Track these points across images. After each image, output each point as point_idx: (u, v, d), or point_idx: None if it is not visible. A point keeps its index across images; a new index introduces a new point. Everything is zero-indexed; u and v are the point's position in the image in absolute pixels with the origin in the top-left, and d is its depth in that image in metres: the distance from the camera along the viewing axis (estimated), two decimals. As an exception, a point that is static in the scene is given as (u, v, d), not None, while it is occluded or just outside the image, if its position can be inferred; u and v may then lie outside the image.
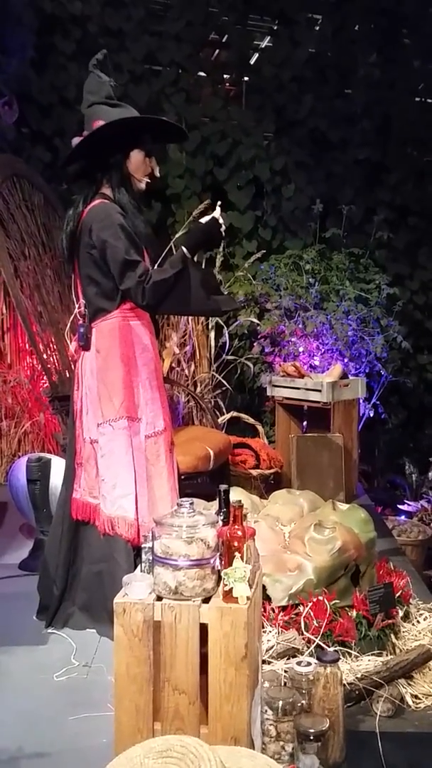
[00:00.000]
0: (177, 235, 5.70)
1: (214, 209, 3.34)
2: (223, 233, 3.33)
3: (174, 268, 3.11)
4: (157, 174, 3.35)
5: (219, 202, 3.46)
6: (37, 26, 5.66)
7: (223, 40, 6.58)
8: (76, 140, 3.23)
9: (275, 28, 6.58)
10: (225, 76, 6.62)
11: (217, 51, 6.65)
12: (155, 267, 3.30)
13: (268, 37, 6.67)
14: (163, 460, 3.27)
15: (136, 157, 3.23)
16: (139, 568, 2.26)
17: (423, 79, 6.89)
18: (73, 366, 3.39)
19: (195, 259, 3.26)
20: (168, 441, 3.32)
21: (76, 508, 3.25)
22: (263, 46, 6.71)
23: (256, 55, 6.66)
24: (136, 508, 3.14)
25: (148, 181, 3.30)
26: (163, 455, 3.27)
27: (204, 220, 3.31)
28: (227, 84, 6.64)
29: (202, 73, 6.44)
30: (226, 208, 6.28)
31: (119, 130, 3.14)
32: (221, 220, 3.28)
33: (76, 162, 3.30)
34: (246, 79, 6.63)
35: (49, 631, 3.21)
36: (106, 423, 3.16)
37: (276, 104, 6.46)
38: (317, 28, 6.62)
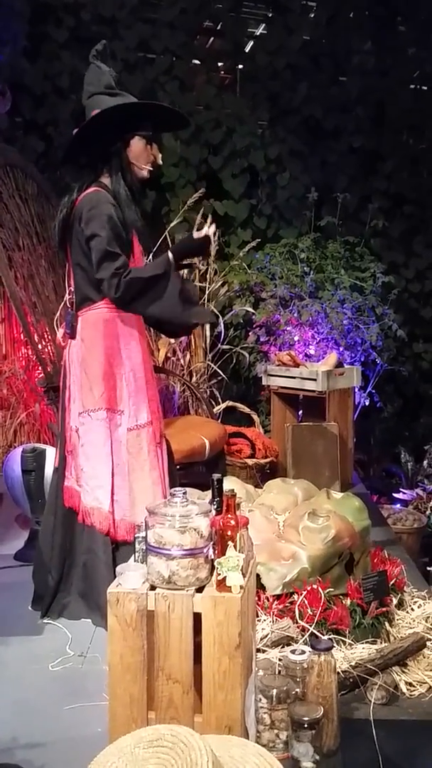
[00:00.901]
0: (171, 224, 5.68)
1: (206, 221, 3.30)
2: (212, 251, 3.29)
3: (154, 270, 3.08)
4: (160, 162, 3.32)
5: (210, 218, 3.41)
6: (30, 15, 5.62)
7: (218, 27, 6.55)
8: (74, 132, 3.20)
9: (269, 15, 6.55)
10: (219, 63, 6.60)
11: (211, 39, 6.62)
12: (150, 257, 3.28)
13: (263, 25, 6.65)
14: (145, 454, 3.24)
15: (136, 144, 3.19)
16: (132, 557, 2.26)
17: (418, 67, 6.87)
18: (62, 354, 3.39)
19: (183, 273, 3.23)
20: (153, 434, 3.28)
21: (68, 496, 3.25)
22: (258, 33, 6.69)
23: (251, 43, 6.64)
24: (112, 500, 3.15)
25: (151, 169, 3.26)
26: (145, 448, 3.24)
27: (197, 235, 3.23)
28: (221, 72, 6.62)
29: (196, 61, 6.41)
30: (221, 196, 6.27)
31: (118, 118, 3.11)
32: (213, 238, 3.25)
33: (76, 154, 3.27)
34: (240, 66, 6.61)
35: (45, 621, 3.22)
36: (86, 413, 3.17)
37: (270, 92, 6.44)
38: (312, 15, 6.60)
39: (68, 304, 3.30)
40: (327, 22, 6.55)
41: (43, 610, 3.25)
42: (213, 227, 3.30)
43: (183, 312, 3.16)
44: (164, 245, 5.40)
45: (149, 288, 3.07)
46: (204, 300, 5.81)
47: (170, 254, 3.16)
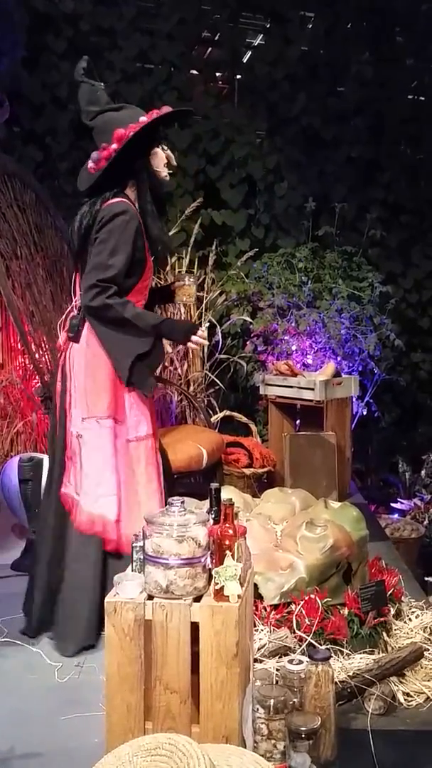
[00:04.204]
0: (169, 234, 5.67)
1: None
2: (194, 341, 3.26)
3: (137, 321, 3.05)
4: (174, 162, 3.33)
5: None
6: (29, 25, 5.65)
7: (216, 38, 6.58)
8: (95, 155, 3.13)
9: (267, 26, 6.58)
10: (217, 74, 6.63)
11: (209, 49, 6.65)
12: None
13: (261, 35, 6.68)
14: (142, 467, 3.19)
15: (157, 153, 3.21)
16: (130, 566, 2.26)
17: (416, 77, 6.90)
18: (59, 357, 3.33)
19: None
20: (152, 447, 3.24)
21: (65, 501, 3.20)
22: (256, 44, 6.72)
23: (249, 53, 6.66)
24: (119, 510, 3.09)
25: (170, 171, 3.28)
26: (143, 462, 3.20)
27: (196, 338, 3.23)
28: (219, 82, 6.65)
29: (194, 72, 6.44)
30: (219, 206, 6.30)
31: (142, 132, 3.09)
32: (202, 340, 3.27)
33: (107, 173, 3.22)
34: (238, 77, 6.64)
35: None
36: (92, 418, 3.11)
37: (268, 102, 6.46)
38: (310, 26, 6.62)
39: (75, 309, 3.26)
40: (325, 32, 6.57)
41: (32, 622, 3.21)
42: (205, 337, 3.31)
43: (129, 366, 3.07)
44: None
45: (121, 326, 3.04)
46: (202, 308, 5.82)
47: (160, 325, 3.12)
